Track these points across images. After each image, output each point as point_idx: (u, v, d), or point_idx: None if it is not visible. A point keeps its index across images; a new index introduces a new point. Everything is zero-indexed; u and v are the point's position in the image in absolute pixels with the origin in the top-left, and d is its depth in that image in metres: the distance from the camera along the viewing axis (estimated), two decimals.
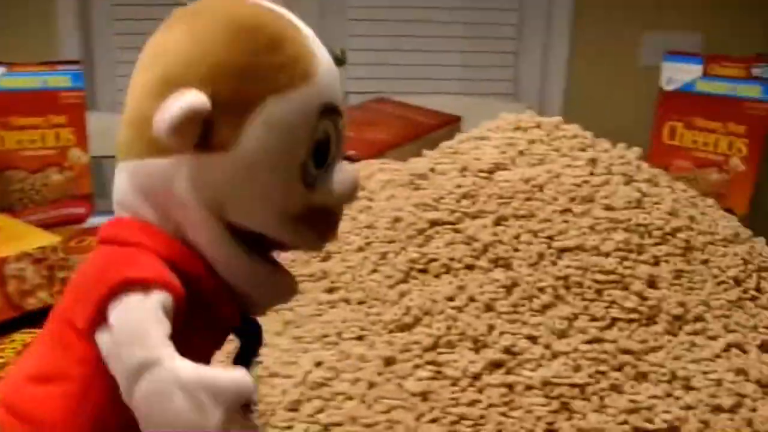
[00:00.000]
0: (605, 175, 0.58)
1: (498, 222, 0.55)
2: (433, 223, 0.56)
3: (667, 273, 0.52)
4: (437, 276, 0.54)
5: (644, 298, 0.50)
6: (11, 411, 0.29)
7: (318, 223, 0.31)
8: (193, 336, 0.28)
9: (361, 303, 0.56)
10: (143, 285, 0.26)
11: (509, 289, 0.51)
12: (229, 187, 0.28)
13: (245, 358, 0.33)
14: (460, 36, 1.85)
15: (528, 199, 0.56)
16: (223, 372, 0.25)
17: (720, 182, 0.86)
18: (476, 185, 0.57)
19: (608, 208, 0.55)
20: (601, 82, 1.77)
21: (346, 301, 0.57)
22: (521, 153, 0.59)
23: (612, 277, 0.51)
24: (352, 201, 0.32)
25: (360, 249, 0.60)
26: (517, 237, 0.54)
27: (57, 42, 1.76)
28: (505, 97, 1.85)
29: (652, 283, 0.52)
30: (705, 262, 0.55)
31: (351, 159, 0.82)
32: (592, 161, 0.59)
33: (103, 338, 0.26)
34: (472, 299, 0.51)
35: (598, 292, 0.51)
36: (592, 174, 0.58)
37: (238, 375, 0.25)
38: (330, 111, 0.30)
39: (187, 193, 0.28)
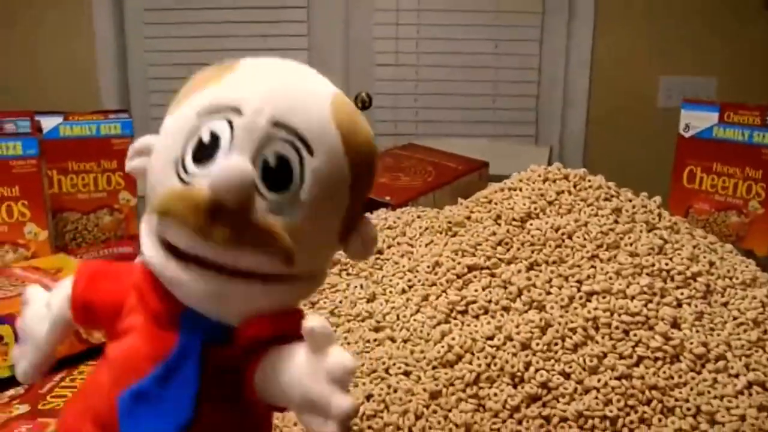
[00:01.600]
0: (629, 223, 0.63)
1: (531, 267, 0.60)
2: (471, 268, 0.61)
3: (689, 315, 0.57)
4: (476, 317, 0.59)
5: (668, 338, 0.55)
6: None
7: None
8: None
9: (405, 341, 0.61)
10: None
11: (543, 329, 0.56)
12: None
13: None
14: (483, 80, 1.92)
15: (558, 246, 0.61)
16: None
17: (740, 224, 0.89)
18: (510, 233, 0.62)
19: (633, 254, 0.60)
20: (620, 123, 1.83)
21: (392, 339, 0.62)
22: (550, 203, 0.64)
23: (638, 318, 0.55)
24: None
25: (403, 291, 0.65)
26: (549, 281, 0.59)
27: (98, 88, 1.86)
28: (526, 138, 1.91)
29: (675, 324, 0.56)
30: (725, 304, 0.59)
31: (387, 205, 0.87)
32: (617, 210, 0.64)
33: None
34: (509, 338, 0.56)
35: (626, 332, 0.55)
36: (616, 222, 0.63)
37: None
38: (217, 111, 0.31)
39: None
